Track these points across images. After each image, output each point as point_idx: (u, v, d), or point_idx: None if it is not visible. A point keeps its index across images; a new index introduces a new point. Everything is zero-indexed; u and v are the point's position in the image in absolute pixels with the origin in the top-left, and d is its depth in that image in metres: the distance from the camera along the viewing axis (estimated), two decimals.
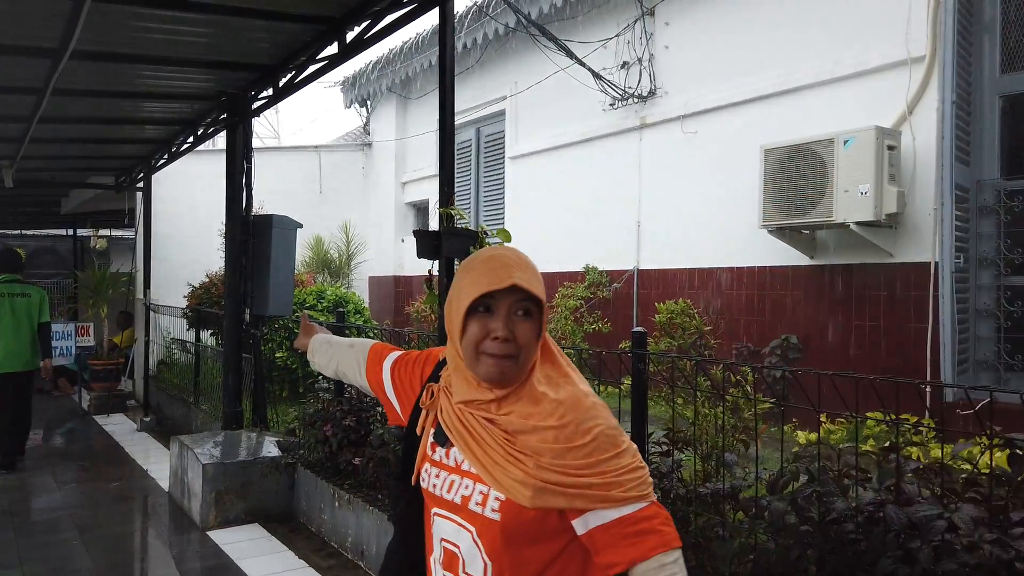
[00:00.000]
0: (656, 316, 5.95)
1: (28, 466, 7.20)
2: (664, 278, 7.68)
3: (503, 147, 10.07)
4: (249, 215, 6.18)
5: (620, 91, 8.04)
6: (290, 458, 5.68)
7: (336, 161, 12.50)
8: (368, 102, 12.87)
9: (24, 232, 25.03)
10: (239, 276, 6.09)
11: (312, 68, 5.02)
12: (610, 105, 8.19)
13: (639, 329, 3.00)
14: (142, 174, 9.64)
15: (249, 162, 6.18)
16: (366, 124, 12.99)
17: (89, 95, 5.85)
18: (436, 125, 11.19)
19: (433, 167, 11.83)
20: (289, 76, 5.22)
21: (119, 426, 9.10)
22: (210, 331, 8.74)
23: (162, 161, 8.49)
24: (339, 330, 8.17)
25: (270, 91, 5.61)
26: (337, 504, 4.99)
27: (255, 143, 12.52)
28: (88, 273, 9.91)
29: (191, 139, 7.40)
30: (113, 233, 26.53)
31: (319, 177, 12.28)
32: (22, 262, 7.61)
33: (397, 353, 1.82)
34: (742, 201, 6.73)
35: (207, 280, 8.69)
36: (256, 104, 5.96)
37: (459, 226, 3.54)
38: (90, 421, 9.40)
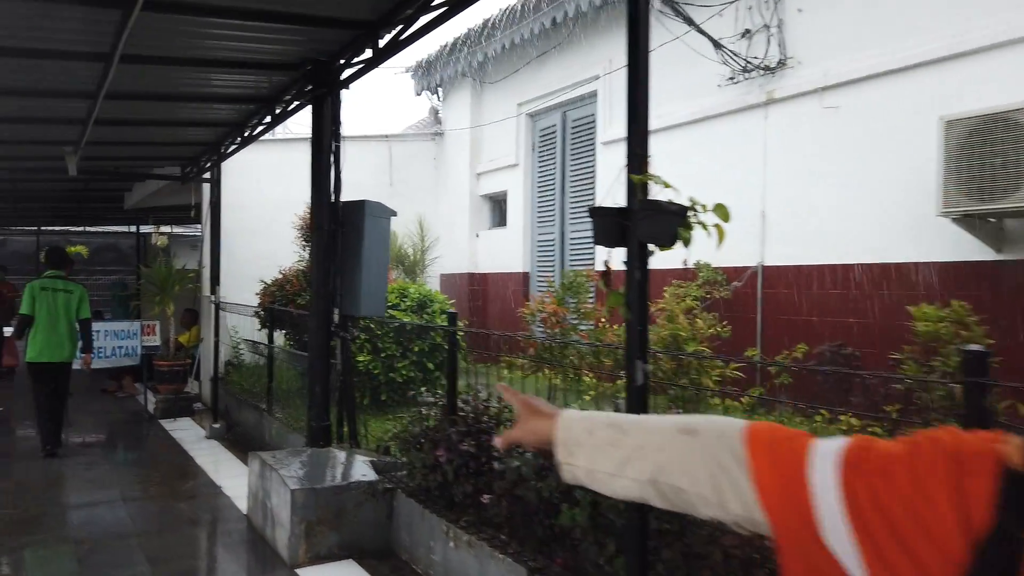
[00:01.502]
0: (915, 325, 4.74)
1: (95, 476, 6.50)
2: (798, 276, 6.62)
3: (594, 132, 9.10)
4: (338, 201, 5.34)
5: (742, 62, 7.00)
6: (388, 482, 4.82)
7: (407, 151, 11.68)
8: (440, 89, 12.03)
9: (87, 229, 25.00)
10: (327, 271, 5.25)
11: (425, 19, 4.11)
12: (729, 80, 7.16)
13: (976, 348, 2.00)
14: (210, 163, 8.94)
15: (338, 141, 5.34)
16: (437, 112, 12.14)
17: (157, 62, 5.08)
18: (514, 111, 10.27)
19: (511, 156, 10.99)
20: (395, 32, 4.33)
21: (186, 432, 8.40)
22: (283, 332, 7.97)
23: (233, 147, 7.74)
24: (424, 331, 7.36)
25: (368, 53, 4.73)
26: (452, 544, 4.10)
27: (301, 133, 11.79)
28: (153, 269, 9.26)
29: (268, 119, 6.59)
30: (174, 230, 26.37)
31: (389, 168, 11.48)
32: (68, 260, 7.72)
33: (833, 447, 0.84)
34: (904, 184, 5.65)
35: (280, 276, 7.93)
36: (348, 72, 5.11)
37: (660, 199, 2.56)
38: (156, 426, 8.74)
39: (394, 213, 5.48)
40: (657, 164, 8.12)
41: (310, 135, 11.42)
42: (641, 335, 2.53)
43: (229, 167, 9.96)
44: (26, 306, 7.02)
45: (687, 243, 2.51)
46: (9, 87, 5.48)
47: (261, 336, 9.12)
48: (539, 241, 10.10)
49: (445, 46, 11.12)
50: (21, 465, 6.99)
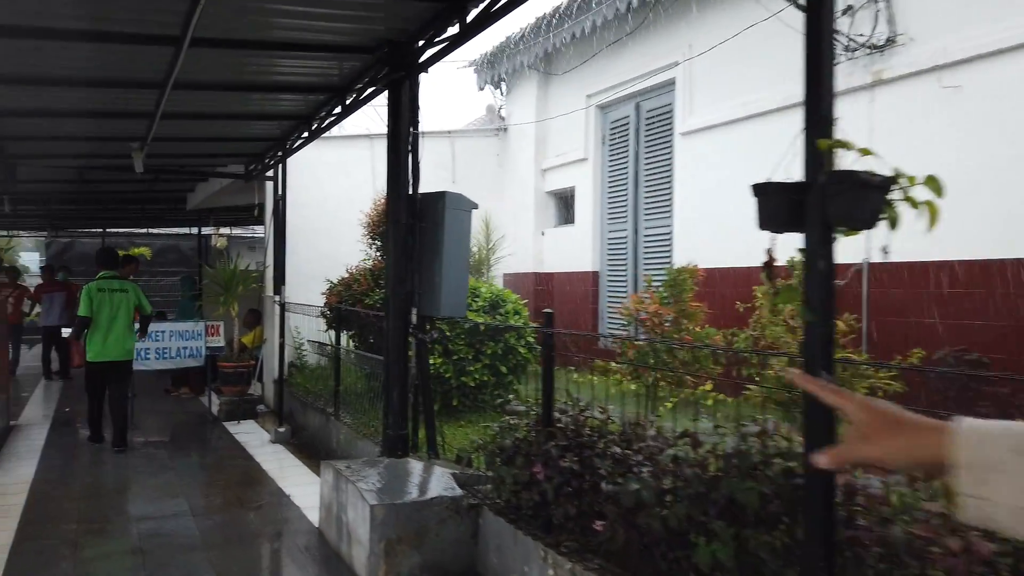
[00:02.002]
0: None
1: (160, 483, 6.26)
2: (911, 273, 5.99)
3: (670, 123, 8.57)
4: (416, 193, 4.95)
5: (845, 40, 6.39)
6: (472, 498, 4.40)
7: (469, 147, 11.31)
8: (503, 83, 11.62)
9: (150, 231, 25.40)
10: (404, 268, 4.86)
11: None
12: None
13: None
14: (274, 160, 8.69)
15: (416, 128, 4.95)
16: (499, 109, 11.74)
17: (225, 45, 4.76)
18: (582, 103, 9.79)
19: (580, 150, 10.47)
20: (486, 2, 3.90)
21: (251, 435, 8.15)
22: (349, 333, 7.65)
23: (299, 142, 7.44)
24: (499, 332, 6.94)
25: (453, 29, 4.32)
26: (552, 571, 3.64)
27: (361, 130, 11.57)
28: (218, 269, 9.06)
29: (337, 110, 6.25)
30: (233, 231, 26.64)
31: (452, 165, 11.11)
32: (119, 260, 7.92)
33: None
34: None
35: (347, 276, 7.61)
36: (428, 52, 4.70)
37: (857, 170, 2.04)
38: (220, 428, 8.52)
39: (475, 205, 5.06)
40: (738, 154, 7.53)
41: (367, 133, 11.24)
42: (825, 340, 2.04)
43: (290, 165, 9.73)
44: (84, 307, 7.14)
45: (894, 224, 2.01)
46: (78, 76, 5.25)
47: (325, 337, 8.83)
48: (610, 239, 9.60)
49: (510, 38, 10.71)
50: (86, 470, 6.81)
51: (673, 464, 3.09)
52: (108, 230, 21.11)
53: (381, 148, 11.06)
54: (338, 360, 7.26)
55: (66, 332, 11.42)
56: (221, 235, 25.35)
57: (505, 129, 11.52)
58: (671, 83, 8.51)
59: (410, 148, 4.89)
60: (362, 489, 4.36)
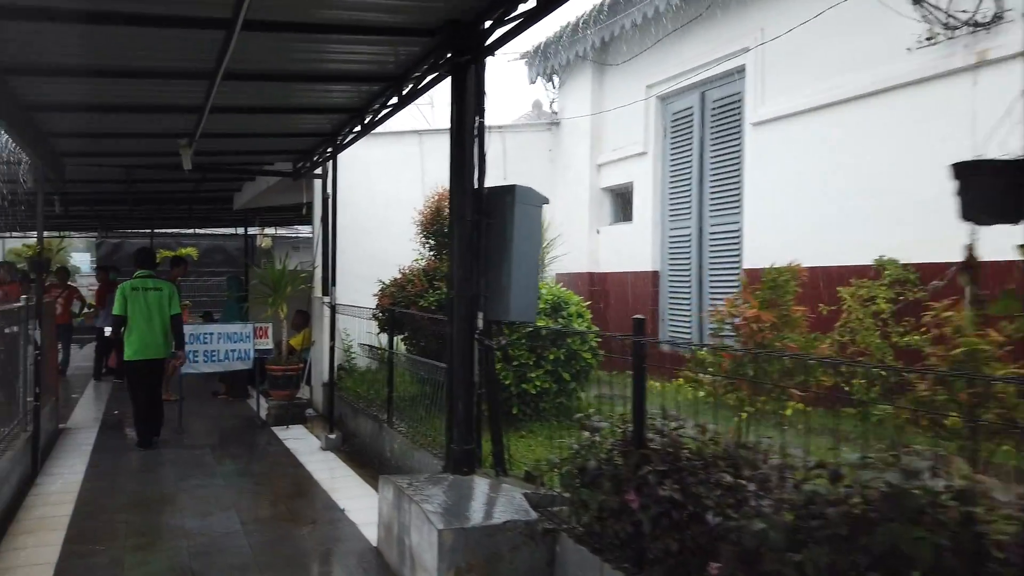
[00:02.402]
0: None
1: (210, 494, 5.97)
2: None
3: (739, 112, 8.02)
4: (482, 187, 4.54)
5: (943, 17, 5.80)
6: (548, 522, 3.98)
7: (520, 143, 10.89)
8: (555, 76, 11.17)
9: (197, 231, 25.55)
10: (471, 268, 4.46)
11: None
12: (927, 40, 5.97)
13: None
14: (323, 157, 8.39)
15: (482, 116, 4.54)
16: (550, 103, 11.30)
17: (276, 28, 4.42)
18: (642, 94, 9.27)
19: (639, 144, 9.91)
20: None
21: (300, 442, 7.86)
22: (401, 336, 7.28)
23: (351, 136, 7.10)
24: (562, 336, 6.51)
25: (527, 3, 3.90)
26: None
27: (405, 125, 11.21)
28: (267, 269, 8.80)
29: (393, 101, 5.88)
30: (278, 232, 26.69)
31: (503, 161, 10.68)
32: (156, 260, 7.99)
33: None
34: None
35: (400, 276, 7.24)
36: (497, 33, 4.29)
37: None
38: (269, 434, 8.25)
39: (545, 200, 4.63)
40: (818, 145, 6.97)
41: (416, 129, 10.90)
42: None
43: (337, 163, 9.44)
44: (118, 307, 7.25)
45: None
46: (127, 66, 4.96)
47: (375, 339, 8.51)
48: (671, 236, 9.08)
49: (564, 28, 10.26)
50: (134, 476, 6.56)
51: (804, 498, 2.62)
52: (156, 231, 21.25)
53: (431, 144, 10.77)
54: (391, 365, 6.90)
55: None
56: (266, 235, 25.42)
57: (558, 123, 11.07)
58: (740, 70, 7.96)
59: (476, 139, 4.49)
60: (428, 511, 3.97)
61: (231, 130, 7.11)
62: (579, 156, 10.59)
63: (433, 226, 7.33)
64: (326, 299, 9.19)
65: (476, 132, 4.51)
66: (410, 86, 5.53)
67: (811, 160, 7.06)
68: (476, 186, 4.51)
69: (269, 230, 25.08)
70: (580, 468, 3.75)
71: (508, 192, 4.46)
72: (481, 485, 4.42)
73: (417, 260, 7.70)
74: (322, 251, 9.40)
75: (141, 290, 7.34)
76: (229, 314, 10.91)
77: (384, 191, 10.11)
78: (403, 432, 6.41)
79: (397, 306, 6.92)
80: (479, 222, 4.49)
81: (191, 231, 24.34)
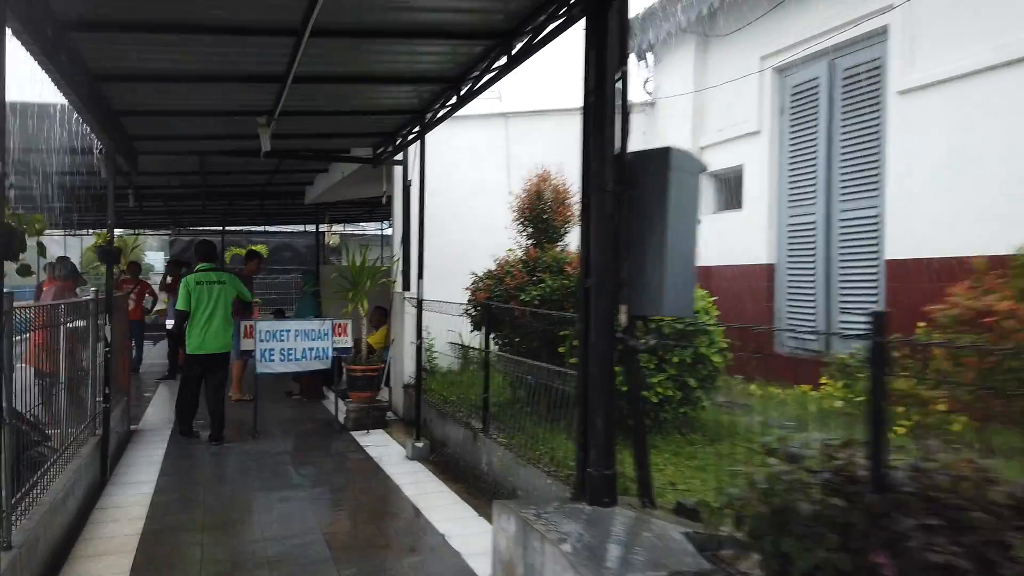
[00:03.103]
0: None
1: (291, 509, 5.27)
2: None
3: (879, 80, 6.93)
4: (625, 152, 3.66)
5: None
6: (725, 573, 3.08)
7: None
8: (648, 53, 10.21)
9: (267, 229, 25.45)
10: (612, 253, 3.59)
11: None
12: None
13: None
14: (404, 141, 7.65)
15: (625, 64, 3.66)
16: (645, 81, 10.33)
17: None
18: (755, 66, 8.22)
19: (751, 123, 8.72)
20: None
21: (383, 449, 7.13)
22: (495, 334, 6.47)
23: (444, 111, 6.31)
24: (685, 337, 5.59)
25: None
26: None
27: (489, 107, 10.34)
28: (349, 263, 8.12)
29: (502, 62, 5.04)
30: (346, 229, 26.37)
31: None
32: (216, 251, 7.75)
33: None
34: None
35: (496, 268, 6.42)
36: None
37: None
38: (348, 440, 7.55)
39: (704, 167, 3.73)
40: (988, 115, 5.86)
41: (501, 112, 10.09)
42: None
43: (414, 150, 8.71)
44: (183, 301, 7.12)
45: None
46: (203, 19, 4.27)
47: (458, 336, 7.76)
48: (791, 225, 8.03)
49: (661, 1, 9.30)
50: (209, 488, 5.93)
51: None
52: (227, 228, 21.13)
53: (519, 127, 9.91)
54: (487, 367, 6.09)
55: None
56: (334, 232, 25.13)
57: (652, 104, 10.11)
58: (881, 32, 6.87)
59: (620, 92, 3.61)
60: (569, 554, 3.11)
61: (311, 107, 6.42)
62: (677, 139, 9.59)
63: (532, 211, 6.48)
64: (407, 294, 8.48)
65: (620, 82, 3.63)
66: (523, 41, 4.68)
67: (980, 130, 5.95)
68: (618, 150, 3.63)
69: (337, 227, 24.78)
70: (779, 509, 2.84)
71: (659, 156, 3.57)
72: (627, 520, 3.54)
73: (510, 251, 6.86)
74: (403, 243, 8.70)
75: (205, 283, 7.22)
76: (303, 310, 10.33)
77: (467, 179, 9.35)
78: (503, 444, 5.59)
79: (494, 301, 6.11)
80: (622, 194, 3.61)
81: (261, 228, 24.26)
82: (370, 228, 28.70)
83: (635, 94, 10.57)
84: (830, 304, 7.50)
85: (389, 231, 23.91)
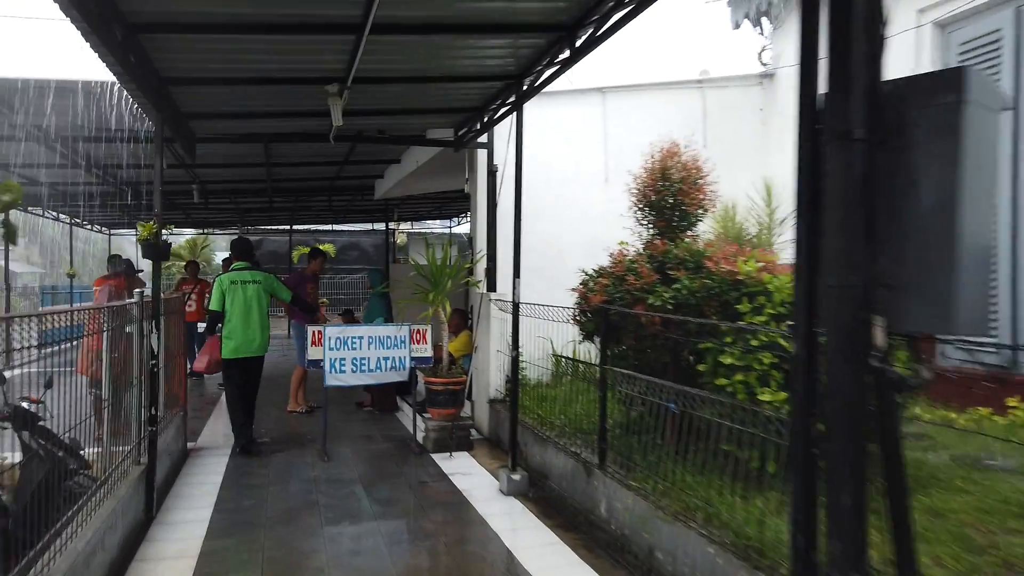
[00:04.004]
0: None
1: (369, 565, 4.16)
2: None
3: None
4: (878, 81, 2.36)
5: None
6: None
7: (722, 101, 8.60)
8: (763, 18, 8.79)
9: (334, 228, 24.83)
10: (856, 236, 2.30)
11: None
12: None
13: None
14: (492, 118, 6.47)
15: None
16: (761, 49, 8.91)
17: None
18: (911, 21, 6.41)
19: None
20: None
21: (471, 479, 5.98)
22: (599, 343, 5.22)
23: (551, 71, 5.09)
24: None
25: None
26: None
27: (583, 81, 9.02)
28: (428, 260, 6.99)
29: (614, 17, 3.80)
30: (413, 227, 25.55)
31: (703, 123, 8.47)
32: (253, 249, 7.24)
33: None
34: None
35: (613, 264, 5.16)
36: None
37: None
38: (429, 464, 6.44)
39: (1008, 104, 2.40)
40: None
41: (597, 86, 8.78)
42: None
43: (499, 131, 7.56)
44: (215, 302, 6.62)
45: None
46: None
47: (546, 344, 6.57)
48: None
49: None
50: (271, 528, 4.89)
51: None
52: (294, 227, 20.53)
53: (618, 104, 8.60)
54: (604, 385, 4.86)
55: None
56: (401, 231, 24.32)
57: (771, 75, 8.69)
58: None
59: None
60: None
61: (388, 71, 5.31)
62: None
63: (656, 193, 5.21)
64: (494, 296, 7.33)
65: None
66: None
67: None
68: (871, 79, 2.34)
69: (404, 226, 23.98)
70: None
71: (946, 83, 2.26)
72: None
73: (622, 244, 5.58)
74: (488, 237, 7.56)
75: (240, 283, 6.69)
76: (372, 312, 9.29)
77: (559, 164, 8.13)
78: (634, 488, 4.35)
79: (614, 304, 4.86)
80: (876, 145, 2.32)
81: (328, 227, 23.65)
82: (436, 227, 27.87)
83: (749, 65, 9.18)
84: (1017, 308, 5.98)
85: (459, 228, 23.00)
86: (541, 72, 5.28)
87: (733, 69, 9.05)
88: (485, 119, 6.66)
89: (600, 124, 8.25)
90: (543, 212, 7.93)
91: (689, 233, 5.23)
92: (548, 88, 5.64)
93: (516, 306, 5.68)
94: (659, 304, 4.68)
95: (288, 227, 20.93)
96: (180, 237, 26.43)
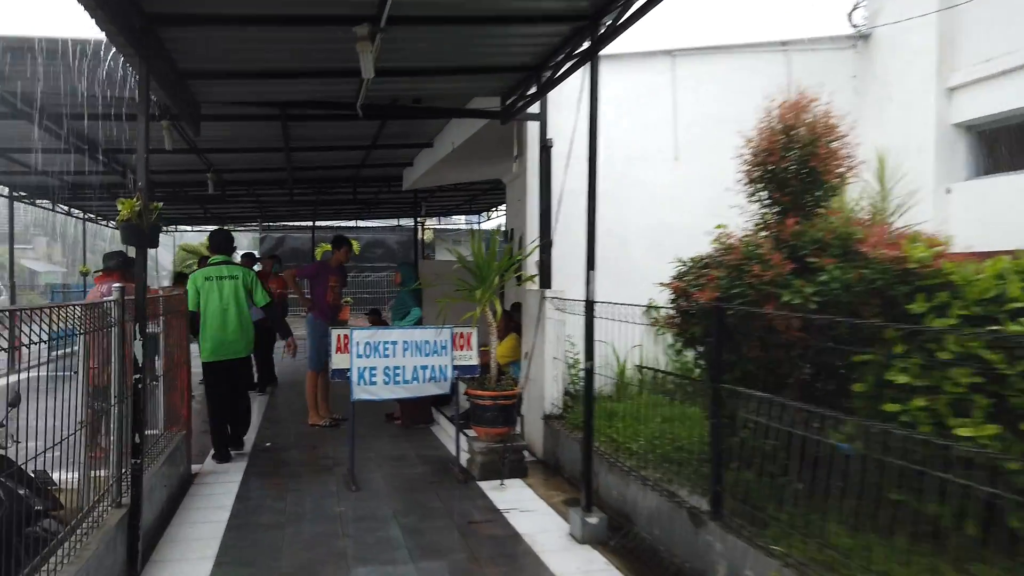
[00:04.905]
0: None
1: None
2: None
3: None
4: None
5: None
6: None
7: (810, 67, 7.33)
8: None
9: (358, 224, 23.81)
10: None
11: None
12: None
13: None
14: (549, 79, 5.29)
15: None
16: (853, 7, 7.63)
17: None
18: None
19: None
20: None
21: (533, 519, 4.81)
22: (696, 353, 4.01)
23: (629, 14, 3.90)
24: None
25: None
26: None
27: (650, 42, 7.67)
28: (474, 252, 5.79)
29: None
30: (441, 222, 24.44)
31: (788, 91, 7.21)
32: (232, 242, 6.72)
33: None
34: None
35: (722, 252, 3.94)
36: None
37: None
38: (476, 496, 5.29)
39: None
40: None
41: (666, 49, 7.45)
42: None
43: (552, 101, 6.40)
44: (191, 301, 6.07)
45: None
46: None
47: (607, 348, 5.41)
48: None
49: None
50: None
51: None
52: (317, 224, 19.52)
53: (687, 69, 7.19)
54: (718, 404, 3.66)
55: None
56: (428, 227, 23.23)
57: (866, 36, 7.41)
58: None
59: None
60: None
61: (430, 10, 4.15)
62: (911, 79, 6.89)
63: (778, 163, 3.99)
64: (549, 293, 6.16)
65: None
66: None
67: None
68: None
69: (430, 221, 22.88)
70: None
71: None
72: None
73: (720, 227, 4.36)
74: (540, 225, 6.39)
75: (215, 279, 6.10)
76: (402, 307, 8.07)
77: (620, 139, 6.93)
78: (778, 555, 3.15)
79: (732, 303, 3.65)
80: None
81: (351, 223, 22.62)
82: (463, 223, 26.72)
83: (837, 25, 7.91)
84: None
85: (489, 223, 21.84)
86: (620, 14, 4.08)
87: (820, 31, 7.74)
88: (543, 79, 5.48)
89: (668, 93, 7.03)
90: (603, 195, 6.68)
91: (822, 209, 4.00)
92: (607, 51, 4.47)
93: (590, 305, 4.48)
94: (798, 302, 3.47)
95: (311, 223, 19.93)
96: (202, 234, 25.57)
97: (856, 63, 7.45)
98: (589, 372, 4.49)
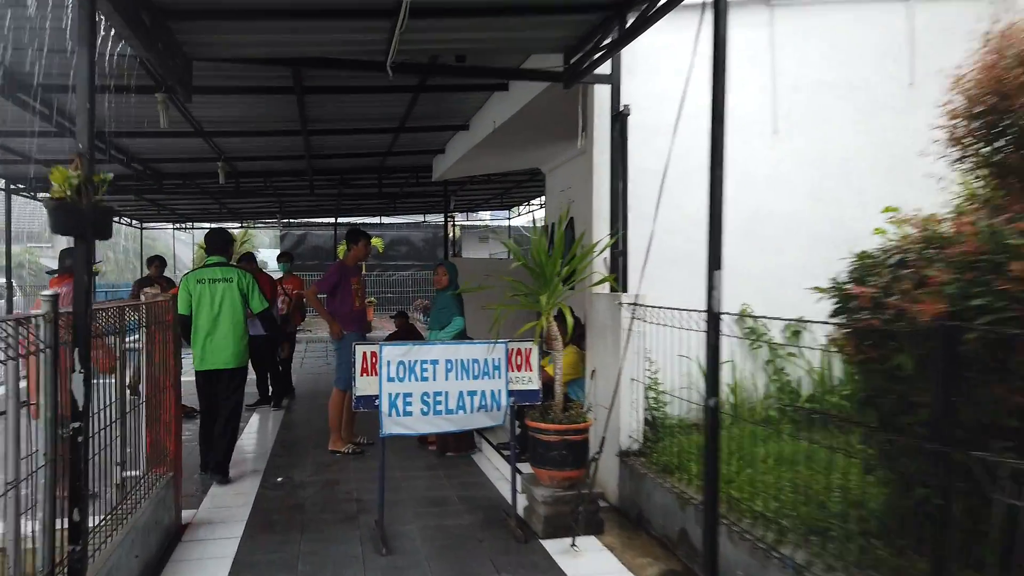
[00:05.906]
0: None
1: None
2: None
3: None
4: None
5: None
6: None
7: (934, 21, 5.95)
8: None
9: (382, 221, 22.64)
10: None
11: None
12: None
13: None
14: (638, 18, 4.01)
15: None
16: None
17: None
18: None
19: None
20: None
21: None
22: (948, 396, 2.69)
23: None
24: None
25: None
26: None
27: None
28: (536, 249, 4.47)
29: None
30: (468, 218, 23.17)
31: (910, 54, 5.88)
32: (230, 243, 6.02)
33: None
34: None
35: (943, 245, 2.62)
36: None
37: None
38: (543, 565, 4.00)
39: None
40: None
41: None
42: None
43: (626, 61, 5.14)
44: (182, 304, 5.51)
45: None
46: None
47: (691, 364, 4.11)
48: None
49: None
50: None
51: None
52: (339, 220, 18.39)
53: (789, 23, 5.24)
54: (951, 478, 2.34)
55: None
56: (455, 224, 22.02)
57: None
58: None
59: None
60: None
61: None
62: None
63: (1009, 108, 2.66)
64: (624, 298, 4.86)
65: None
66: None
67: None
68: None
69: (457, 217, 21.66)
70: None
71: None
72: None
73: (889, 210, 3.01)
74: (611, 214, 5.11)
75: (207, 282, 5.59)
76: (445, 313, 6.49)
77: (695, 111, 5.57)
78: None
79: (967, 317, 2.33)
80: None
81: (375, 219, 21.46)
82: (490, 220, 25.48)
83: None
84: None
85: (519, 219, 20.55)
86: None
87: None
88: (627, 22, 4.18)
89: (766, 53, 5.69)
90: (687, 177, 5.37)
91: None
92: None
93: (715, 318, 3.17)
94: None
95: (333, 220, 18.80)
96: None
97: (991, 15, 6.04)
98: (714, 411, 3.18)
